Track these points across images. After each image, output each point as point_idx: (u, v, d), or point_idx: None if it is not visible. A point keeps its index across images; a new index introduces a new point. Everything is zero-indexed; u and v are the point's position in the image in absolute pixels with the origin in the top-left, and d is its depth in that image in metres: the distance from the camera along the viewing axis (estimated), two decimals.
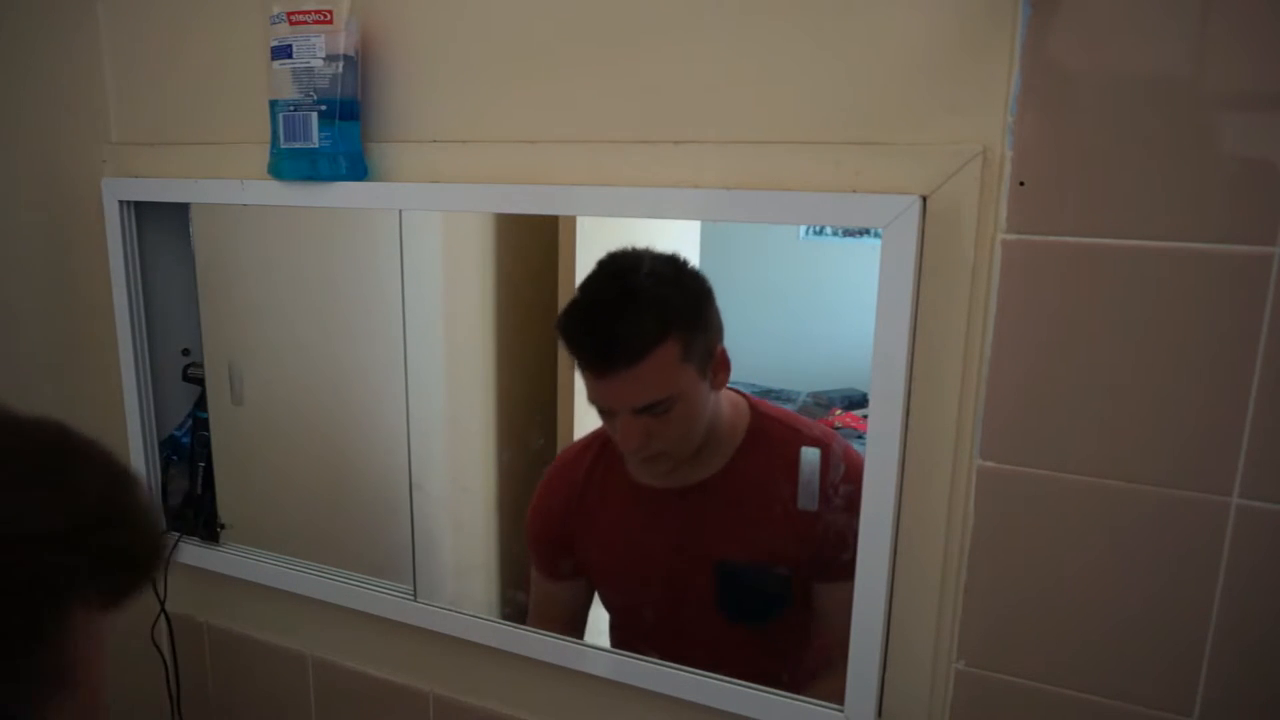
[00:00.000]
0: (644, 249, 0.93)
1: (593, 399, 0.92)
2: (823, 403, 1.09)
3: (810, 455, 0.91)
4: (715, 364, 0.90)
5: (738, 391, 0.97)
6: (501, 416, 1.15)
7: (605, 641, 1.08)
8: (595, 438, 1.01)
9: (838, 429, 1.03)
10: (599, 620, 1.10)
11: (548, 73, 0.91)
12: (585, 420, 1.02)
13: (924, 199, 0.75)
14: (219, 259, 1.20)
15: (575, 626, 1.08)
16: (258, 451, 1.24)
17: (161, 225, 1.20)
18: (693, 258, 0.97)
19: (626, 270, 0.93)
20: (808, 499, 0.92)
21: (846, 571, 0.82)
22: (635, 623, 1.05)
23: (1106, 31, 0.68)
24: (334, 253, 1.13)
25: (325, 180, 0.99)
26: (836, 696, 0.86)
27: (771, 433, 0.94)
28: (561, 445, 1.11)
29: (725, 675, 0.91)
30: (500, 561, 1.18)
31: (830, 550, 0.86)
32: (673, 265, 0.90)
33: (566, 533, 1.05)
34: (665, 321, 0.86)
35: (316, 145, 0.97)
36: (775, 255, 0.99)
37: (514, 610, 1.10)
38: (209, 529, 1.24)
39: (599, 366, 0.90)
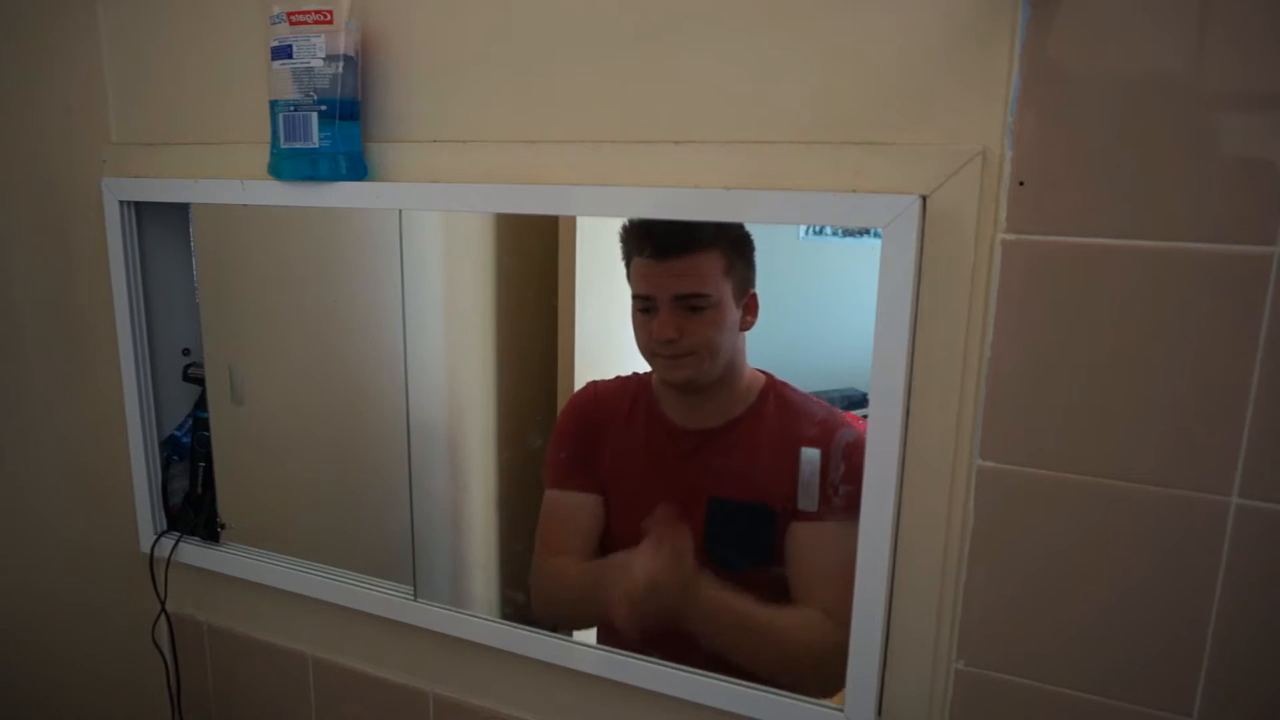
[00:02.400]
0: None
1: (640, 289, 0.99)
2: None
3: (810, 455, 0.93)
4: (747, 301, 0.97)
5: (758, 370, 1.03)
6: (501, 416, 1.15)
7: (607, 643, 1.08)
8: (632, 380, 1.06)
9: None
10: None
11: (548, 73, 0.91)
12: None
13: (924, 199, 0.75)
14: (219, 259, 1.20)
15: (585, 544, 1.09)
16: (258, 451, 1.24)
17: (161, 225, 1.20)
18: None
19: None
20: (808, 499, 0.94)
21: (825, 513, 0.91)
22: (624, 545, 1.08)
23: (1106, 32, 0.68)
24: (334, 253, 1.13)
25: (325, 180, 0.99)
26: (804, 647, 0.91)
27: (784, 395, 1.01)
28: None
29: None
30: (500, 561, 1.18)
31: (812, 494, 0.94)
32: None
33: (593, 444, 1.09)
34: (717, 233, 0.95)
35: (316, 145, 0.97)
36: (775, 255, 0.99)
37: (514, 610, 1.10)
38: (209, 529, 1.24)
39: (658, 246, 0.97)
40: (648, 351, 1.02)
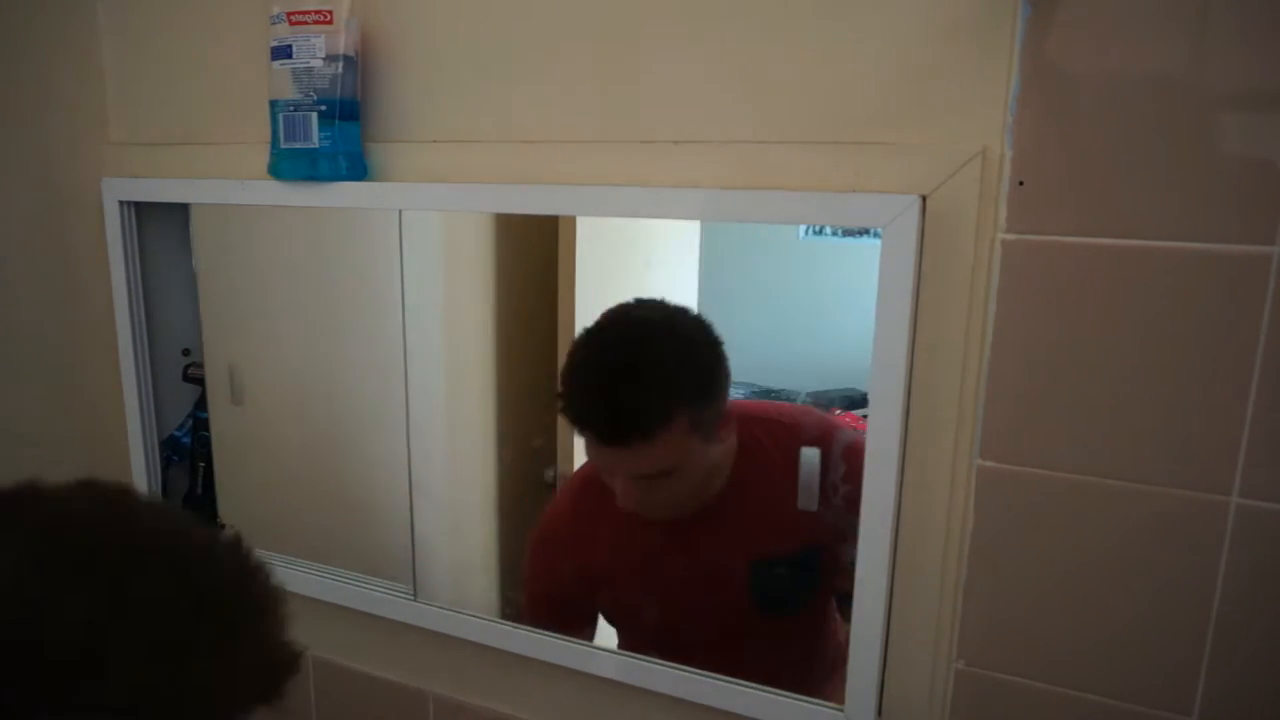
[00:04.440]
0: (653, 304, 0.89)
1: (594, 461, 0.91)
2: (823, 403, 1.09)
3: (810, 455, 0.92)
4: (724, 422, 0.88)
5: None
6: (501, 416, 1.15)
7: (608, 641, 1.08)
8: (580, 488, 0.98)
9: None
10: (601, 620, 1.10)
11: (548, 73, 0.91)
12: None
13: (924, 199, 0.75)
14: (219, 259, 1.20)
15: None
16: (258, 451, 1.24)
17: (161, 225, 1.20)
18: (692, 258, 0.97)
19: (629, 340, 0.90)
20: (808, 499, 0.92)
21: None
22: (658, 636, 1.03)
23: (1106, 31, 0.68)
24: (334, 253, 1.13)
25: (325, 180, 0.99)
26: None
27: (760, 434, 0.93)
28: (561, 445, 1.11)
29: (763, 668, 0.89)
30: (500, 561, 1.18)
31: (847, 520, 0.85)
32: (685, 329, 0.87)
33: (573, 577, 1.03)
34: (677, 399, 0.84)
35: (316, 145, 0.97)
36: (775, 255, 0.99)
37: (514, 610, 1.10)
38: None
39: (605, 439, 0.88)
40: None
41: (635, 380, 0.84)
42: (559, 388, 0.89)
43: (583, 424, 0.87)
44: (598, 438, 0.87)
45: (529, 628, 1.03)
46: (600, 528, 0.99)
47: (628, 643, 1.05)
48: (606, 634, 1.09)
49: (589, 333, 0.89)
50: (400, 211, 1.01)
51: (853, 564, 0.82)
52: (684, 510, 0.93)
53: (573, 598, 1.05)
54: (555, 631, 1.00)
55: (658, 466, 0.85)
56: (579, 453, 1.11)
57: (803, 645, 0.98)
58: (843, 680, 0.85)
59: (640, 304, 0.89)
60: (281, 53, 0.96)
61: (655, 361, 0.86)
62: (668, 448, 0.84)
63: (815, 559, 0.93)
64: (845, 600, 0.85)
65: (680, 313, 0.88)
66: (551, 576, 1.04)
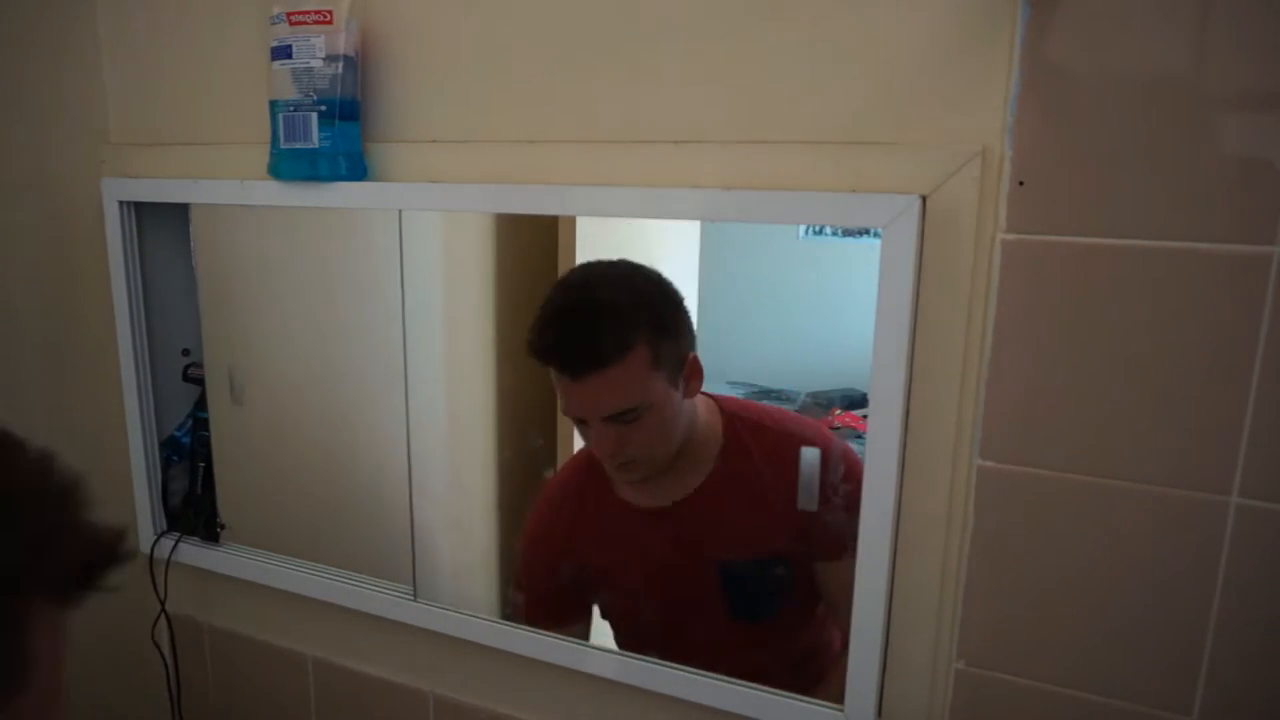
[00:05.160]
0: (611, 260, 0.93)
1: (566, 409, 0.93)
2: (823, 403, 1.09)
3: (810, 455, 0.92)
4: (687, 371, 0.90)
5: (710, 396, 0.97)
6: (501, 416, 1.15)
7: (607, 641, 1.08)
8: (578, 468, 1.01)
9: (837, 429, 1.03)
10: (597, 620, 1.10)
11: (547, 73, 0.91)
12: None
13: (924, 199, 0.75)
14: (219, 259, 1.20)
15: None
16: (258, 451, 1.24)
17: (161, 225, 1.20)
18: (692, 258, 0.97)
19: (592, 281, 0.94)
20: (808, 499, 0.92)
21: (845, 549, 0.83)
22: (643, 633, 1.05)
23: (1106, 31, 0.68)
24: (334, 253, 1.13)
25: (325, 180, 0.99)
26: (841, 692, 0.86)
27: (745, 434, 0.95)
28: (561, 445, 1.11)
29: (737, 674, 0.90)
30: (500, 561, 1.18)
31: (824, 530, 0.87)
32: (639, 274, 0.91)
33: (567, 570, 1.04)
34: (634, 327, 0.87)
35: (316, 145, 0.97)
36: (775, 255, 0.99)
37: (514, 610, 1.10)
38: (209, 529, 1.24)
39: (570, 371, 0.91)
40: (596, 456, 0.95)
41: (594, 311, 0.88)
42: (528, 334, 0.92)
43: (547, 356, 0.90)
44: (561, 368, 0.89)
45: (529, 628, 1.03)
46: (589, 515, 1.01)
47: (621, 639, 1.06)
48: (607, 634, 1.09)
49: (557, 281, 0.94)
50: (400, 211, 1.01)
51: (828, 576, 0.85)
52: (669, 485, 0.93)
53: (564, 585, 1.05)
54: (549, 621, 1.01)
55: (622, 402, 0.87)
56: None
57: (777, 652, 0.98)
58: (829, 687, 0.86)
59: (607, 260, 0.93)
60: (281, 53, 0.96)
61: (613, 296, 0.91)
62: (630, 381, 0.86)
63: (786, 568, 0.93)
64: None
65: (642, 267, 0.92)
66: (543, 564, 1.05)
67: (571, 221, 1.00)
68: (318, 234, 1.12)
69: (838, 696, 0.86)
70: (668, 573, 1.00)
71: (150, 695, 1.32)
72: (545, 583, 1.06)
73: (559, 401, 0.94)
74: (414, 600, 1.09)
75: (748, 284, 0.96)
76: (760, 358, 1.01)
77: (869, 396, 0.80)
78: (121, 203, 1.16)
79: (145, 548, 1.26)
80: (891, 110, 0.77)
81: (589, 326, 0.87)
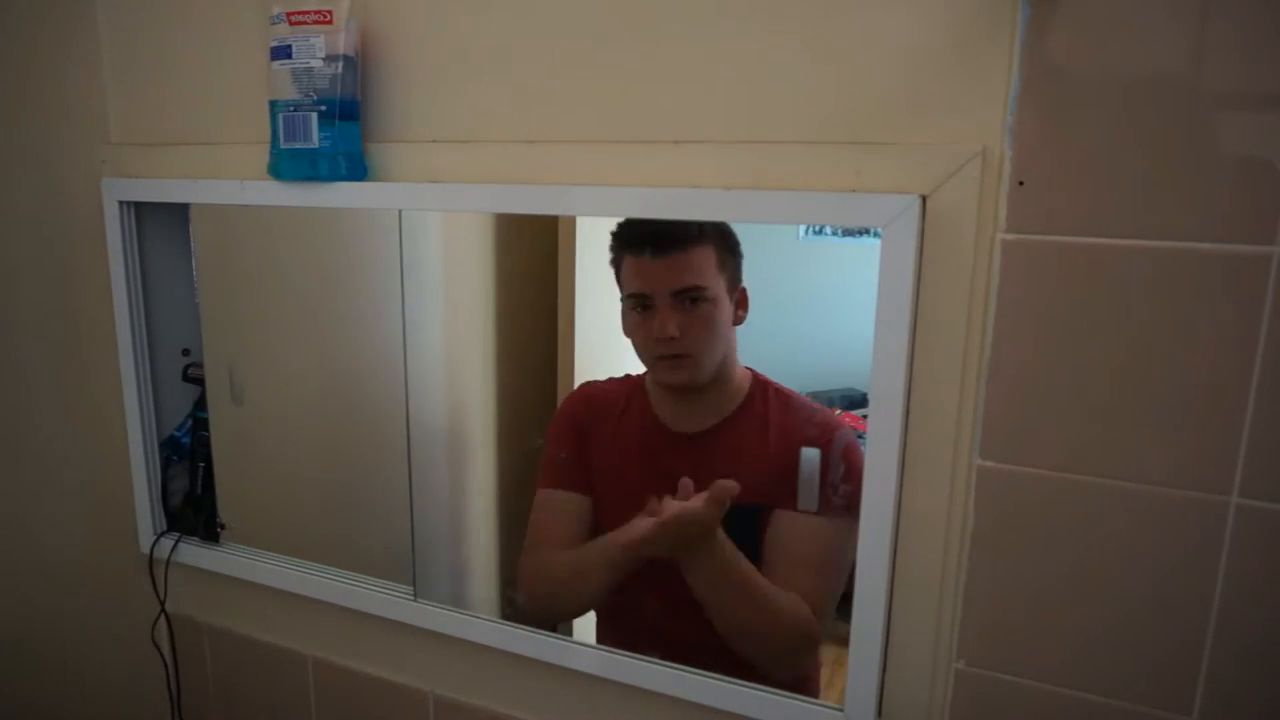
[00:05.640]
0: None
1: (637, 287, 1.00)
2: (822, 403, 1.09)
3: (810, 455, 0.94)
4: (739, 296, 0.98)
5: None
6: (501, 416, 1.15)
7: (593, 638, 1.08)
8: (628, 380, 1.07)
9: None
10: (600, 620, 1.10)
11: (547, 73, 0.91)
12: None
13: (924, 199, 0.75)
14: (219, 259, 1.20)
15: (573, 542, 1.09)
16: (258, 451, 1.24)
17: (161, 225, 1.20)
18: None
19: None
20: (808, 499, 0.94)
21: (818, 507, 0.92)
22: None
23: (1106, 31, 0.68)
24: (334, 253, 1.13)
25: (325, 180, 0.99)
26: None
27: (780, 391, 1.02)
28: None
29: (697, 616, 0.96)
30: (500, 561, 1.18)
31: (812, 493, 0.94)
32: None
33: (585, 445, 1.09)
34: (708, 228, 0.96)
35: (316, 145, 0.97)
36: (775, 255, 1.00)
37: (514, 610, 1.10)
38: (209, 529, 1.24)
39: (655, 244, 0.98)
40: (646, 353, 1.02)
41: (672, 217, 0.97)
42: (610, 243, 1.02)
43: (638, 237, 0.99)
44: (648, 246, 0.98)
45: (529, 628, 1.03)
46: (628, 414, 1.07)
47: None
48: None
49: None
50: (400, 211, 1.01)
51: (789, 532, 0.94)
52: (700, 375, 1.02)
53: (579, 449, 1.10)
54: (557, 483, 1.09)
55: (695, 279, 0.97)
56: None
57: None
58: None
59: None
60: (281, 53, 0.96)
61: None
62: (704, 264, 0.96)
63: (756, 515, 0.98)
64: (845, 600, 0.87)
65: None
66: (577, 420, 1.10)
67: (571, 221, 1.00)
68: (318, 234, 1.12)
69: (788, 677, 0.89)
70: (662, 489, 1.03)
71: (150, 695, 1.32)
72: (567, 449, 1.10)
73: (624, 284, 1.01)
74: (414, 600, 1.10)
75: (748, 284, 0.96)
76: (760, 357, 1.01)
77: (869, 396, 0.80)
78: (121, 203, 1.16)
79: (145, 548, 1.26)
80: (891, 110, 0.77)
81: (667, 221, 0.97)
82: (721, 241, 0.96)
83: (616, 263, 1.01)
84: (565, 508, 1.09)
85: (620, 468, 1.08)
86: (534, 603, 1.09)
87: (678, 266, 0.97)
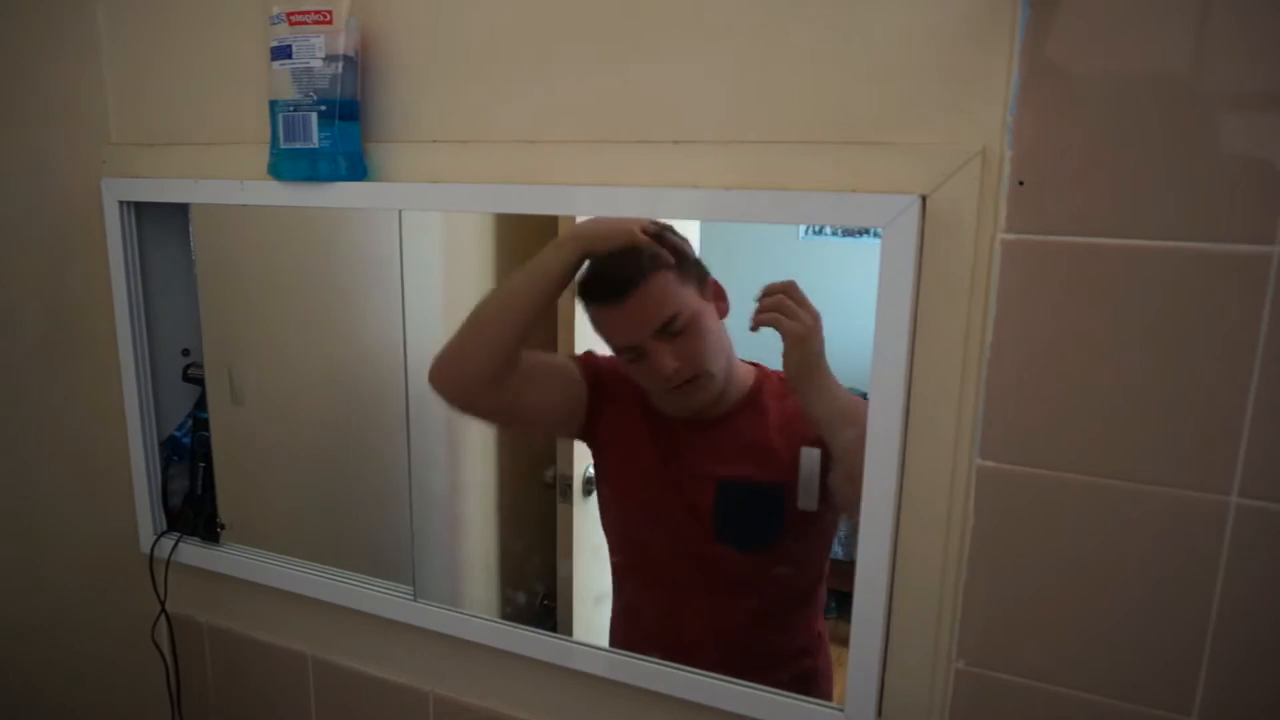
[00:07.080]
0: None
1: (619, 342, 1.00)
2: None
3: (810, 454, 0.93)
4: (713, 291, 0.98)
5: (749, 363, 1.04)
6: None
7: (605, 642, 1.08)
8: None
9: None
10: (598, 621, 1.10)
11: (548, 73, 0.91)
12: None
13: (923, 199, 0.75)
14: (219, 259, 1.20)
15: (550, 392, 1.09)
16: (258, 451, 1.24)
17: (161, 225, 1.20)
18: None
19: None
20: (808, 499, 0.94)
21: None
22: (630, 548, 1.09)
23: (1106, 31, 0.68)
24: (334, 253, 1.13)
25: (325, 180, 0.99)
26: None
27: (771, 388, 1.02)
28: (561, 445, 1.11)
29: (719, 604, 0.97)
30: (500, 561, 1.18)
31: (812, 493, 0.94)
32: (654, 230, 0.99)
33: (598, 395, 1.08)
34: (652, 256, 0.96)
35: (316, 145, 0.97)
36: (775, 255, 1.00)
37: (514, 610, 1.10)
38: (209, 529, 1.24)
39: (611, 291, 0.99)
40: (659, 391, 1.02)
41: (615, 253, 0.98)
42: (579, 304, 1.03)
43: (595, 298, 1.00)
44: (609, 299, 0.99)
45: (529, 628, 1.03)
46: (643, 404, 1.06)
47: (613, 539, 1.09)
48: (606, 635, 1.09)
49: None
50: (400, 211, 1.01)
51: (808, 511, 0.93)
52: (717, 387, 1.01)
53: (578, 396, 1.08)
54: (565, 360, 1.07)
55: (665, 310, 0.96)
56: (578, 453, 1.12)
57: (760, 597, 1.04)
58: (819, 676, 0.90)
59: None
60: (281, 53, 0.96)
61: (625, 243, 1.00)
62: (665, 291, 0.97)
63: (779, 505, 0.98)
64: (845, 600, 0.86)
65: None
66: (599, 368, 1.08)
67: (571, 221, 1.00)
68: (318, 234, 1.13)
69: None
70: (674, 482, 1.05)
71: (150, 695, 1.32)
72: (573, 381, 1.08)
73: (606, 339, 1.01)
74: (414, 600, 1.10)
75: (748, 284, 0.96)
76: (760, 358, 1.01)
77: (869, 396, 0.80)
78: (121, 203, 1.16)
79: (145, 548, 1.26)
80: (891, 110, 0.77)
81: (615, 261, 0.97)
82: (671, 258, 0.96)
83: (594, 321, 1.01)
84: (562, 367, 1.07)
85: (625, 442, 1.07)
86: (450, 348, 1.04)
87: (644, 304, 0.97)
